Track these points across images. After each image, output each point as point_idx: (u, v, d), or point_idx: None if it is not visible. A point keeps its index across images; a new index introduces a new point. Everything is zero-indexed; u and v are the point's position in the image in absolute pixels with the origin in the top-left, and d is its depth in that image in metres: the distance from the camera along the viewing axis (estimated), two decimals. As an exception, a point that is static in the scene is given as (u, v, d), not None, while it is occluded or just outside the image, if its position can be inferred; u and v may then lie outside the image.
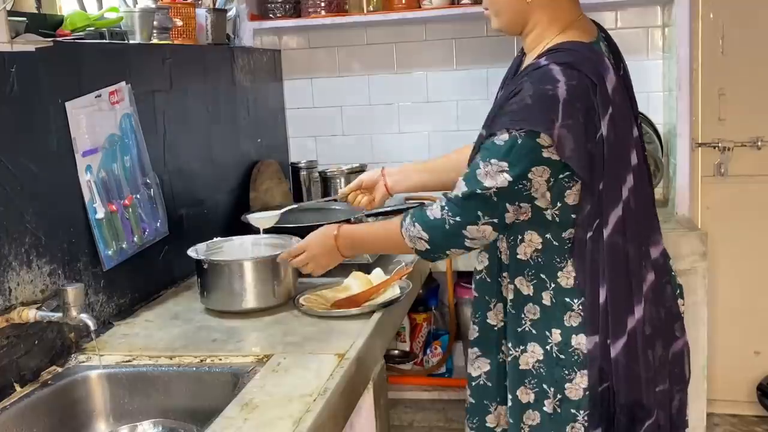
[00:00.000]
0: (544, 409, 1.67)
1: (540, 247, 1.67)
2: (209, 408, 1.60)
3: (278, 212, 2.29)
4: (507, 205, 1.60)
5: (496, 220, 1.62)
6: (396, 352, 3.47)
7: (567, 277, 1.65)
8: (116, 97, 2.07)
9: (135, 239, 2.14)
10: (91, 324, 1.67)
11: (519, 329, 1.70)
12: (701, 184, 3.31)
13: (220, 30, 2.89)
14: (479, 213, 1.61)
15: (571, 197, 1.61)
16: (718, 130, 3.26)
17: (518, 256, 1.69)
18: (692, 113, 3.10)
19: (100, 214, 1.97)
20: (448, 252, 1.70)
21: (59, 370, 1.77)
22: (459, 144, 3.17)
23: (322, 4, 3.25)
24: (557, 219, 1.63)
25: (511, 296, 1.72)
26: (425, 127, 3.49)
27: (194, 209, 2.53)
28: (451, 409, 3.39)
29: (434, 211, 1.66)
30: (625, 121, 1.61)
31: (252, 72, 3.11)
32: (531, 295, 1.69)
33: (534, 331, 1.68)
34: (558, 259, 1.65)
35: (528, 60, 1.70)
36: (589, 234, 1.61)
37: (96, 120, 1.98)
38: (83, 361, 1.81)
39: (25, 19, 1.79)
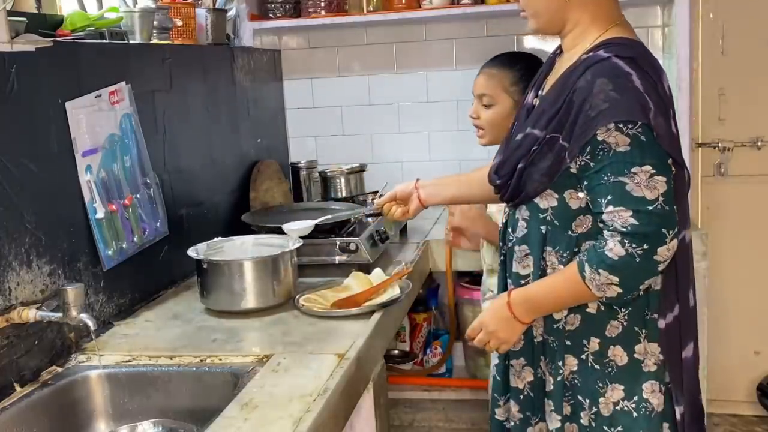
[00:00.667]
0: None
1: None
2: (209, 408, 1.60)
3: (312, 222, 2.31)
4: (677, 208, 1.54)
5: (677, 229, 1.53)
6: (396, 352, 3.47)
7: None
8: (116, 97, 2.07)
9: (135, 239, 2.14)
10: (91, 324, 1.67)
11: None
12: (701, 184, 3.31)
13: (220, 30, 2.89)
14: (663, 230, 1.51)
15: None
16: (718, 130, 3.27)
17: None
18: (692, 113, 3.10)
19: (100, 214, 1.97)
20: (641, 286, 1.57)
21: (59, 370, 1.77)
22: (459, 144, 3.18)
23: (322, 4, 3.25)
24: None
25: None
26: (425, 127, 3.49)
27: (194, 209, 2.53)
28: (451, 409, 3.39)
29: (615, 250, 1.51)
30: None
31: (252, 72, 3.11)
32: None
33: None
34: None
35: (569, 57, 1.66)
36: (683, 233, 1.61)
37: (96, 120, 1.98)
38: (83, 361, 1.81)
39: (25, 19, 1.79)
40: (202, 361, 1.78)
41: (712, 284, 3.08)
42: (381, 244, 2.57)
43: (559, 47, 1.76)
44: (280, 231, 2.34)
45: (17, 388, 1.66)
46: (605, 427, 1.65)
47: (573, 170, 1.58)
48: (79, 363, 1.80)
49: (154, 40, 2.41)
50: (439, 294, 3.51)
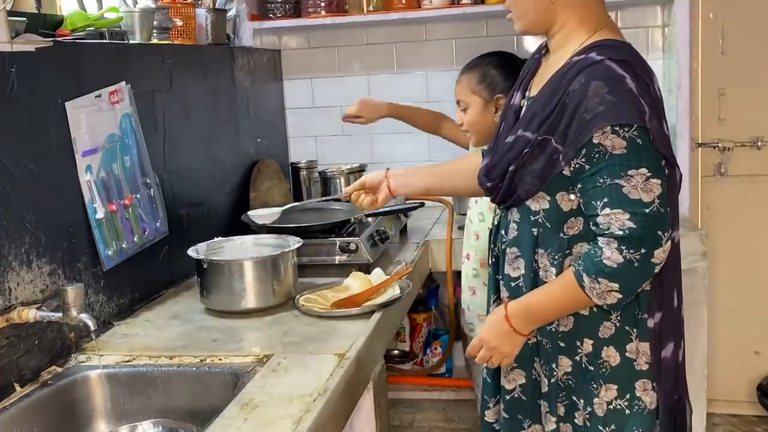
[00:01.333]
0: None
1: None
2: (209, 408, 1.60)
3: (279, 209, 2.27)
4: (669, 209, 1.54)
5: (670, 230, 1.54)
6: (396, 352, 3.47)
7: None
8: (116, 97, 2.07)
9: (135, 239, 2.14)
10: (91, 324, 1.67)
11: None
12: (701, 184, 3.31)
13: (220, 30, 2.89)
14: (659, 233, 1.51)
15: None
16: (718, 130, 3.26)
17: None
18: (692, 113, 3.10)
19: (100, 214, 1.97)
20: (639, 289, 1.58)
21: (59, 370, 1.77)
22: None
23: (322, 4, 3.25)
24: None
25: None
26: (425, 127, 3.48)
27: (194, 209, 2.53)
28: (451, 409, 3.39)
29: (613, 257, 1.51)
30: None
31: (252, 72, 3.11)
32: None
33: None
34: None
35: (556, 58, 1.66)
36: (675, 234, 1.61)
37: (96, 120, 1.98)
38: (83, 361, 1.81)
39: (25, 19, 1.79)
40: (202, 361, 1.78)
41: (712, 284, 3.08)
42: (381, 244, 2.57)
43: (545, 48, 1.75)
44: (280, 231, 2.34)
45: (17, 388, 1.66)
46: (600, 427, 1.65)
47: (566, 173, 1.58)
48: (79, 363, 1.80)
49: (154, 40, 2.41)
50: (439, 294, 3.51)
